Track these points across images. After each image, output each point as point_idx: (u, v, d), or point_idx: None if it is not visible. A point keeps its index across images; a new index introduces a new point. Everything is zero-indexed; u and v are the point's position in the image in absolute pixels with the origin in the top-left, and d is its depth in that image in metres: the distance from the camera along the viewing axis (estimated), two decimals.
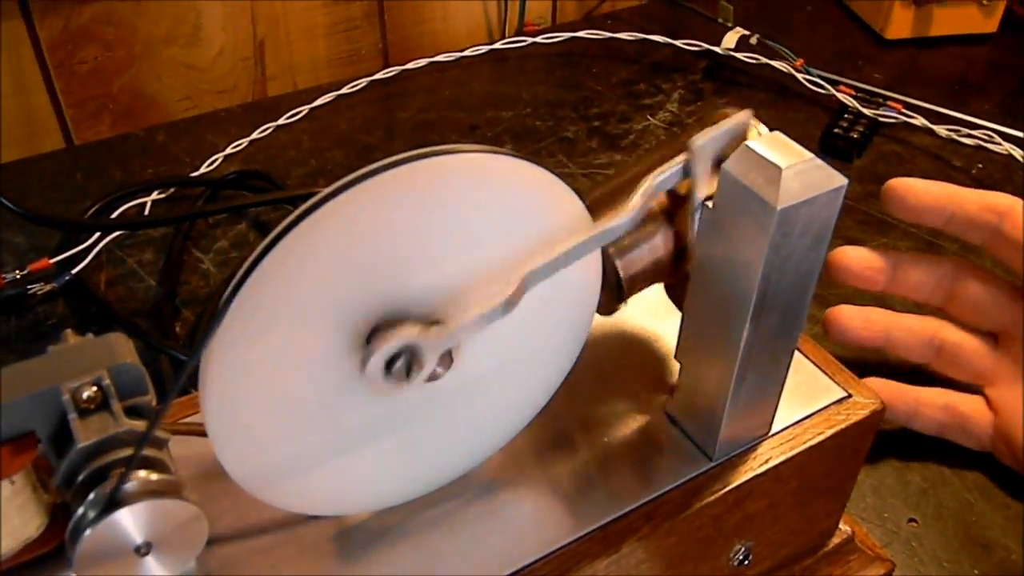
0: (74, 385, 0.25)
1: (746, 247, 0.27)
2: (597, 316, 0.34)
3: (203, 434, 0.31)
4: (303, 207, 0.23)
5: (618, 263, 0.31)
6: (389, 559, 0.29)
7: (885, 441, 0.47)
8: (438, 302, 0.26)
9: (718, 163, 0.28)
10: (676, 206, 0.31)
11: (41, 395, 0.25)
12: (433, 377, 0.27)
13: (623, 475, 0.32)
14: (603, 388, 0.35)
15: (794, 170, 0.26)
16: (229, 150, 0.66)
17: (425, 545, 0.30)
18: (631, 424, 0.34)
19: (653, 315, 0.38)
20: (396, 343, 0.25)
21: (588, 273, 0.30)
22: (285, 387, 0.25)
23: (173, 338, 0.51)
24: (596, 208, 0.28)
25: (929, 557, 0.42)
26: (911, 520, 0.43)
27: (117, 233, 0.58)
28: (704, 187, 0.28)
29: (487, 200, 0.26)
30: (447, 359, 0.26)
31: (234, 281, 0.24)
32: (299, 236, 0.23)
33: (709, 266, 0.29)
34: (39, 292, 0.54)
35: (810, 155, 0.26)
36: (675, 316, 0.33)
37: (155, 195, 0.60)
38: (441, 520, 0.30)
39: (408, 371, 0.25)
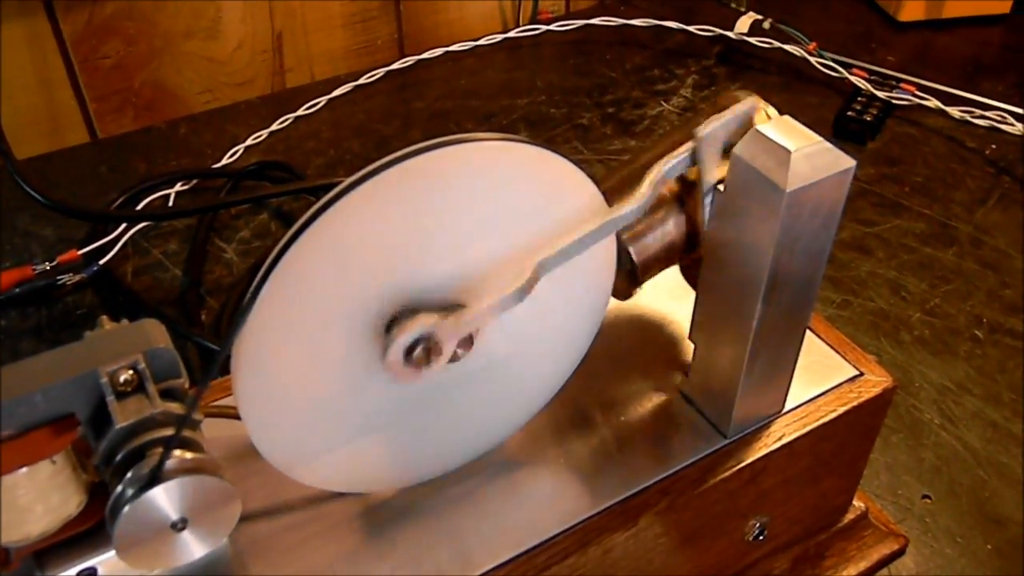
0: (111, 368, 0.26)
1: (757, 229, 0.28)
2: (613, 299, 0.35)
3: (234, 416, 0.32)
4: (325, 198, 0.24)
5: (631, 249, 0.32)
6: (414, 534, 0.30)
7: (898, 419, 0.48)
8: (455, 289, 0.27)
9: (729, 148, 0.28)
10: (687, 191, 0.31)
11: (80, 379, 0.26)
12: (454, 358, 0.28)
13: (640, 453, 0.33)
14: (619, 369, 0.36)
15: (803, 153, 0.26)
16: (250, 141, 0.67)
17: (448, 521, 0.31)
18: (647, 403, 0.35)
19: (667, 297, 0.39)
20: (414, 332, 0.26)
21: (603, 258, 0.30)
22: (311, 372, 0.27)
23: (199, 326, 0.53)
24: (611, 195, 0.29)
25: (943, 533, 0.42)
26: (925, 497, 0.44)
27: (143, 224, 0.59)
28: (713, 173, 0.29)
29: (504, 188, 0.26)
30: (467, 341, 0.27)
31: (261, 271, 0.25)
32: (322, 226, 0.24)
33: (721, 248, 0.30)
34: (68, 283, 0.55)
35: (819, 138, 0.27)
36: (689, 298, 0.34)
37: (178, 187, 0.62)
38: (463, 497, 0.31)
39: (427, 358, 0.26)
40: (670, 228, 0.32)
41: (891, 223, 0.62)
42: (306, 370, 0.26)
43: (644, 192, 0.28)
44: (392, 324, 0.27)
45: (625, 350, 0.37)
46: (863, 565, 0.40)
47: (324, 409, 0.27)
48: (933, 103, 0.72)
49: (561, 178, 0.28)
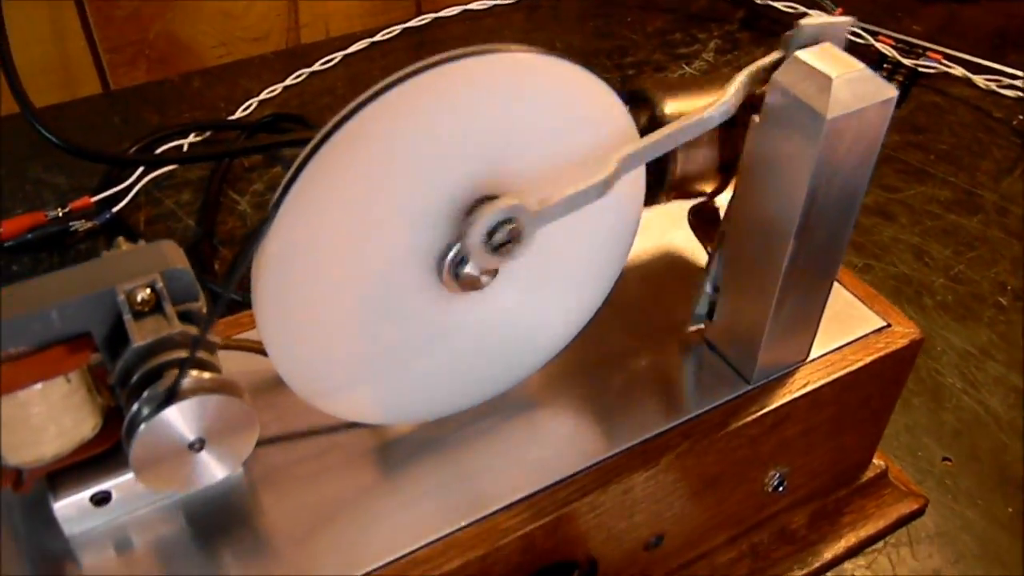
0: (129, 287, 0.25)
1: (794, 160, 0.27)
2: (638, 245, 0.34)
3: (253, 350, 0.31)
4: (386, 81, 0.23)
5: (679, 155, 0.31)
6: (431, 469, 0.30)
7: (919, 383, 0.47)
8: (530, 185, 0.26)
9: None
10: (743, 114, 0.30)
11: (97, 296, 0.25)
12: (477, 286, 0.27)
13: (661, 396, 0.32)
14: (642, 315, 0.35)
15: (844, 79, 0.26)
16: (264, 95, 0.66)
17: (466, 457, 0.30)
18: (669, 349, 0.34)
19: (692, 245, 0.38)
20: (501, 211, 0.25)
21: (632, 193, 0.30)
22: (340, 284, 0.26)
23: (212, 276, 0.52)
24: None
25: (963, 495, 0.42)
26: (945, 459, 0.43)
27: (156, 174, 0.58)
28: None
29: (565, 97, 0.26)
30: (493, 271, 0.27)
31: (297, 160, 0.24)
32: (380, 110, 0.23)
33: (755, 181, 0.29)
34: (80, 229, 0.54)
35: (861, 65, 0.26)
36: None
37: (192, 138, 0.61)
38: (481, 435, 0.31)
39: (508, 244, 0.25)
40: (715, 149, 0.31)
41: (915, 189, 0.61)
42: (333, 290, 0.26)
43: (730, 97, 0.27)
44: (473, 209, 0.26)
45: (648, 297, 0.36)
46: (881, 523, 0.39)
47: (347, 327, 0.27)
48: (959, 72, 0.70)
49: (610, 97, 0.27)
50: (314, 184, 0.24)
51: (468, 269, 0.26)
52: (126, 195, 0.57)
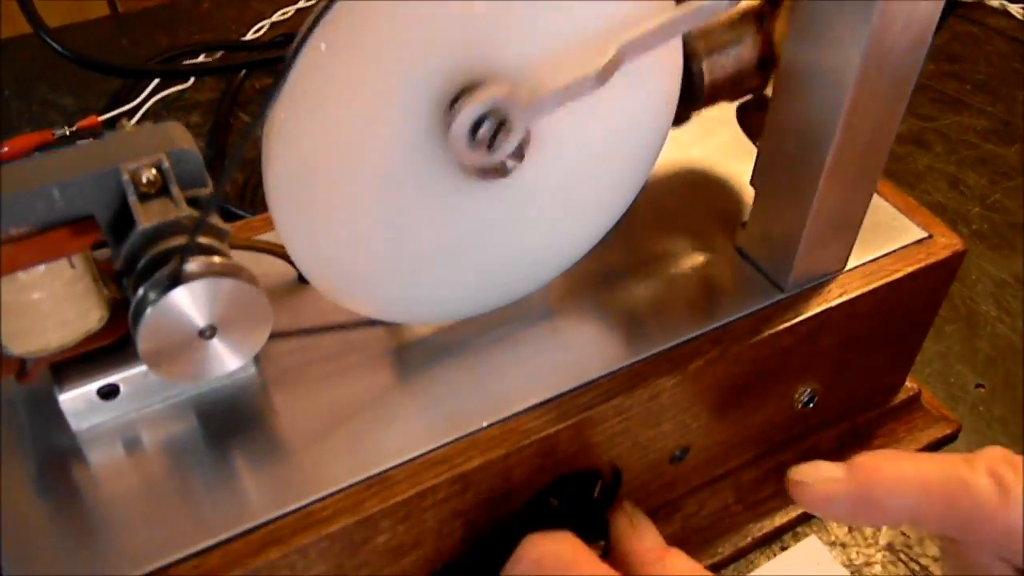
0: (133, 166, 0.24)
1: (841, 45, 0.25)
2: (668, 152, 0.33)
3: (266, 250, 0.30)
4: None
5: (704, 64, 0.29)
6: (450, 372, 0.29)
7: (953, 311, 0.45)
8: (528, 69, 0.24)
9: None
10: (771, 9, 0.29)
11: (101, 175, 0.24)
12: (504, 171, 0.25)
13: (691, 304, 0.31)
14: (670, 222, 0.34)
15: None
16: (276, 17, 0.64)
17: (486, 361, 0.29)
18: (700, 257, 0.32)
19: (723, 153, 0.36)
20: (483, 102, 0.23)
21: (666, 76, 0.28)
22: (353, 162, 0.24)
23: (223, 197, 0.51)
24: None
25: (996, 422, 0.40)
26: (979, 385, 0.42)
27: (165, 93, 0.57)
28: None
29: None
30: (518, 153, 0.25)
31: (304, 27, 0.22)
32: None
33: (798, 71, 0.27)
34: None
35: None
36: (745, 154, 0.31)
37: (202, 58, 0.59)
38: (502, 339, 0.30)
39: (495, 137, 0.24)
40: (746, 49, 0.29)
41: (951, 119, 0.58)
42: (348, 163, 0.24)
43: None
44: (458, 98, 0.24)
45: (677, 204, 0.34)
46: (912, 447, 0.38)
47: (360, 210, 0.25)
48: (996, 2, 0.68)
49: None
50: (322, 57, 0.22)
51: (468, 161, 0.25)
52: (134, 115, 0.55)
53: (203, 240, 0.25)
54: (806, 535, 0.35)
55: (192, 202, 0.25)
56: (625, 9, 0.25)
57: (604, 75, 0.24)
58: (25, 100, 0.58)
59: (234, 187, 0.52)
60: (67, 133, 0.54)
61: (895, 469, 0.24)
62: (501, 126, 0.23)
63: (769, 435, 0.35)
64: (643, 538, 0.28)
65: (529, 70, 0.24)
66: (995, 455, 0.24)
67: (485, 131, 0.23)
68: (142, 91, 0.57)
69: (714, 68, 0.29)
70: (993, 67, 0.63)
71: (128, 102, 0.56)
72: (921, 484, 0.23)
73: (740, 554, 0.34)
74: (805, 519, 0.36)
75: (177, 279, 0.23)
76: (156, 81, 0.57)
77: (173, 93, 0.57)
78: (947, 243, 0.33)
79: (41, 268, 0.24)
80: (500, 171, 0.25)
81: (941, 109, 0.59)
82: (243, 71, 0.58)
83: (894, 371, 0.37)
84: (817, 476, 0.25)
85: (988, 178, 0.54)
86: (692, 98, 0.29)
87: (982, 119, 0.59)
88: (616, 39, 0.24)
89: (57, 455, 0.26)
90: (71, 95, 0.58)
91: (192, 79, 0.58)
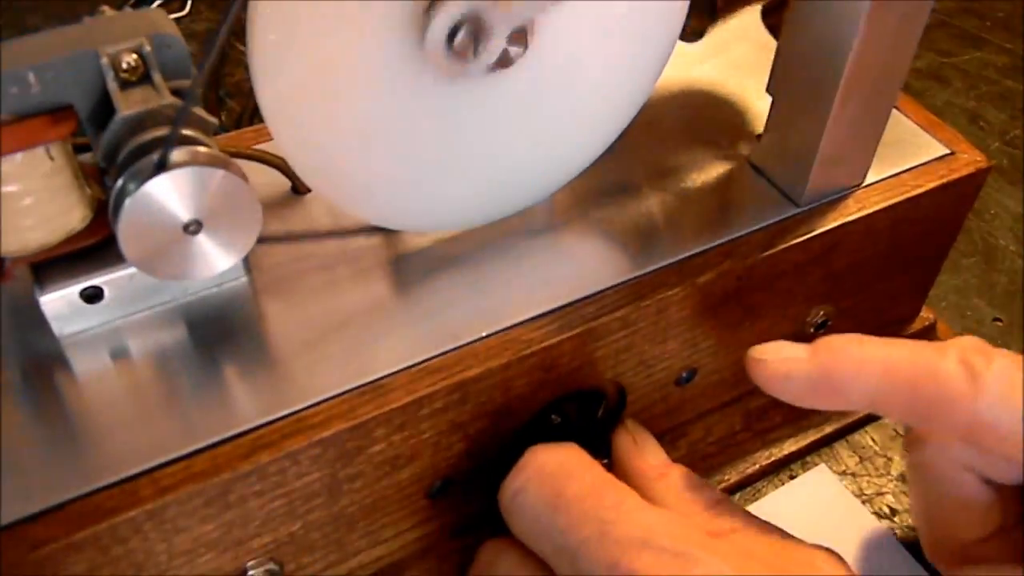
0: (112, 50, 0.23)
1: None
2: (679, 65, 0.31)
3: (263, 160, 0.29)
4: None
5: None
6: (449, 284, 0.27)
7: (970, 244, 0.44)
8: None
9: None
10: None
11: (77, 57, 0.23)
12: (506, 61, 0.24)
13: (702, 217, 0.29)
14: (682, 137, 0.32)
15: None
16: None
17: (487, 273, 0.28)
18: (711, 171, 0.31)
19: (738, 68, 0.35)
20: (456, 9, 0.22)
21: None
22: (343, 69, 0.23)
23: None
24: None
25: None
26: (996, 319, 0.41)
27: None
28: None
29: None
30: (521, 37, 0.24)
31: None
32: None
33: None
34: None
35: None
36: (761, 70, 0.30)
37: None
38: (504, 251, 0.28)
39: (473, 46, 0.23)
40: None
41: (970, 55, 0.56)
42: (338, 72, 0.23)
43: None
44: (433, 3, 0.23)
45: (689, 118, 0.33)
46: None
47: (350, 108, 0.24)
48: None
49: None
50: None
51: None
52: None
53: (188, 132, 0.23)
54: (815, 464, 0.34)
55: (175, 94, 0.24)
56: None
57: None
58: (17, 29, 0.56)
59: (230, 117, 0.51)
60: None
61: (860, 351, 0.23)
62: (480, 32, 0.22)
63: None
64: (646, 455, 0.27)
65: None
66: (968, 343, 0.23)
67: (462, 38, 0.22)
68: None
69: None
70: (1013, 4, 0.61)
71: None
72: (887, 368, 0.22)
73: (747, 481, 0.33)
74: (814, 448, 0.35)
75: (159, 167, 0.22)
76: (154, 6, 0.55)
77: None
78: (970, 159, 0.32)
79: (18, 157, 0.23)
80: (503, 61, 0.24)
81: (960, 45, 0.57)
82: None
83: (910, 298, 0.36)
84: (778, 354, 0.24)
85: (1008, 114, 0.52)
86: (706, 10, 0.28)
87: (1002, 55, 0.57)
88: None
89: (40, 360, 0.25)
90: (60, 23, 0.56)
91: (188, 6, 0.56)
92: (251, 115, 0.50)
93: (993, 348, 0.23)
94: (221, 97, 0.52)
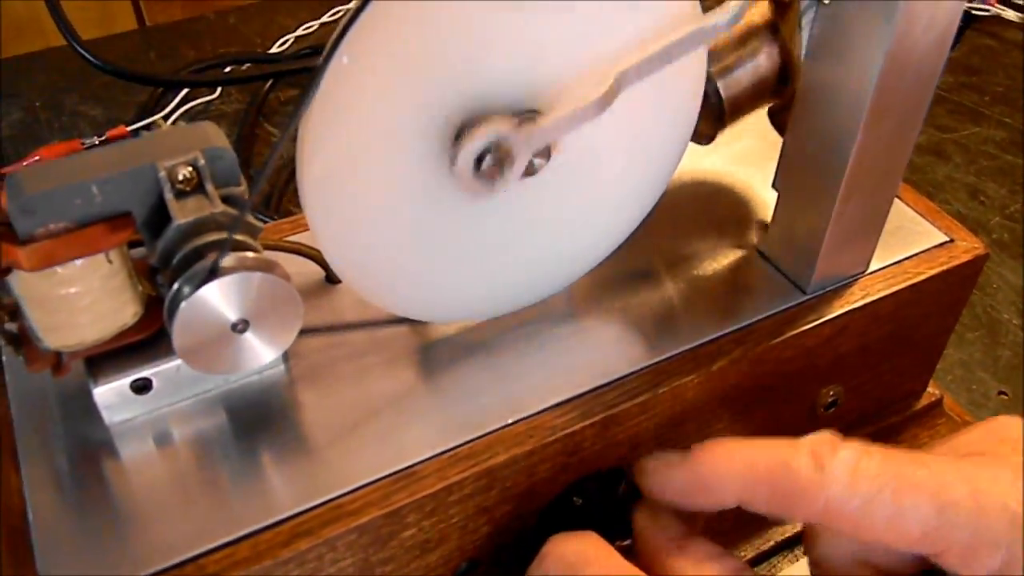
0: (170, 164, 0.25)
1: (863, 47, 0.26)
2: (689, 158, 0.33)
3: (299, 252, 0.31)
4: None
5: (720, 84, 0.30)
6: (475, 371, 0.29)
7: (974, 319, 0.45)
8: (530, 97, 0.25)
9: None
10: (781, 16, 0.29)
11: (137, 172, 0.25)
12: (530, 171, 0.26)
13: (714, 305, 0.31)
14: (692, 226, 0.34)
15: None
16: (300, 32, 0.65)
17: (510, 359, 0.29)
18: (722, 259, 0.33)
19: (746, 158, 0.37)
20: (484, 138, 0.24)
21: (688, 87, 0.28)
22: (376, 170, 0.25)
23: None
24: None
25: None
26: (1001, 393, 0.42)
27: (191, 104, 0.58)
28: None
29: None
30: (545, 152, 0.26)
31: (324, 51, 0.23)
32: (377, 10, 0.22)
33: (820, 76, 0.28)
34: None
35: None
36: (765, 157, 0.32)
37: (228, 70, 0.60)
38: (526, 339, 0.30)
39: (499, 169, 0.25)
40: (761, 60, 0.29)
41: (970, 130, 0.59)
42: (372, 172, 0.25)
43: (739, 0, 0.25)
44: (460, 133, 0.25)
45: (700, 208, 0.35)
46: None
47: (388, 219, 0.26)
48: (1013, 15, 0.68)
49: None
50: (344, 70, 0.22)
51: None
52: (162, 126, 0.56)
53: (237, 237, 0.25)
54: None
55: (225, 200, 0.26)
56: (625, 36, 0.25)
57: (603, 103, 0.24)
58: (55, 111, 0.59)
59: (259, 196, 0.53)
60: (96, 143, 0.55)
61: (726, 453, 0.25)
62: (504, 157, 0.24)
63: (792, 436, 0.35)
64: (665, 529, 0.28)
65: (530, 100, 0.25)
66: (819, 438, 0.24)
67: (489, 164, 0.24)
68: (169, 102, 0.58)
69: (730, 85, 0.29)
70: (1011, 79, 0.63)
71: (155, 113, 0.57)
72: (747, 465, 0.24)
73: (762, 557, 0.34)
74: None
75: (212, 273, 0.24)
76: (183, 93, 0.58)
77: (199, 104, 0.59)
78: (969, 247, 0.33)
79: (79, 263, 0.25)
80: (528, 170, 0.26)
81: (960, 120, 0.59)
82: (269, 82, 0.59)
83: (917, 375, 0.37)
84: (657, 463, 0.26)
85: (1008, 188, 0.54)
86: (715, 117, 0.30)
87: (1001, 130, 0.59)
88: (613, 68, 0.24)
89: (90, 448, 0.27)
90: (100, 106, 0.59)
91: (219, 90, 0.59)
92: (279, 196, 0.53)
93: (842, 440, 0.24)
94: (251, 176, 0.54)
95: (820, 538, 0.26)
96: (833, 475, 0.23)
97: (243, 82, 0.59)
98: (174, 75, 0.59)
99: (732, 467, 0.24)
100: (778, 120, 0.32)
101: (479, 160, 0.25)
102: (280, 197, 0.52)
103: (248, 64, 0.61)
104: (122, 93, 0.59)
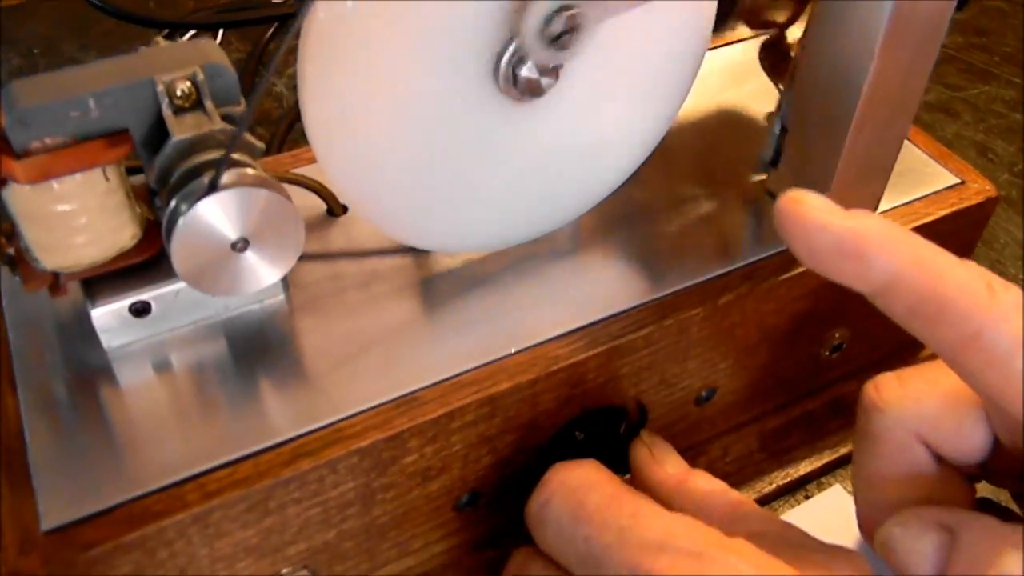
0: (167, 78, 0.24)
1: None
2: (697, 98, 0.32)
3: (300, 183, 0.30)
4: None
5: None
6: (478, 302, 0.28)
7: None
8: None
9: None
10: None
11: (135, 86, 0.24)
12: (538, 90, 0.25)
13: (721, 242, 0.31)
14: (701, 165, 0.33)
15: None
16: None
17: (515, 292, 0.29)
18: (729, 198, 0.32)
19: (754, 97, 0.36)
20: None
21: (698, 22, 0.28)
22: (390, 90, 0.24)
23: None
24: None
25: None
26: None
27: None
28: None
29: None
30: (554, 71, 0.25)
31: None
32: None
33: (831, 11, 0.27)
34: None
35: None
36: (776, 99, 0.31)
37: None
38: (530, 272, 0.29)
39: (567, 35, 0.23)
40: None
41: (979, 89, 0.58)
42: (385, 93, 0.24)
43: None
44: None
45: (708, 146, 0.34)
46: None
47: (403, 140, 0.25)
48: None
49: None
50: None
51: (526, 71, 0.25)
52: None
53: (236, 156, 0.25)
54: (830, 484, 0.35)
55: (225, 119, 0.25)
56: None
57: None
58: (54, 56, 0.58)
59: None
60: None
61: (895, 232, 0.23)
62: (571, 20, 0.23)
63: (795, 382, 0.34)
64: (664, 464, 0.28)
65: None
66: (989, 272, 0.22)
67: (556, 27, 0.23)
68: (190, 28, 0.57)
69: None
70: (1020, 40, 0.63)
71: None
72: (915, 256, 0.22)
73: (763, 501, 0.34)
74: (830, 468, 0.35)
75: (211, 189, 0.23)
76: (187, 38, 0.57)
77: None
78: (980, 188, 0.33)
79: (76, 178, 0.24)
80: (535, 90, 0.25)
81: (969, 79, 0.59)
82: (271, 30, 0.58)
83: None
84: (818, 203, 0.23)
85: (1016, 146, 0.53)
86: (730, 9, 0.29)
87: (1010, 89, 0.58)
88: None
89: (88, 372, 0.26)
90: (98, 53, 0.58)
91: (221, 32, 0.58)
92: (279, 143, 0.52)
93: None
94: (251, 126, 0.53)
95: (887, 410, 0.25)
96: (1000, 306, 0.21)
97: (248, 24, 0.58)
98: (176, 17, 0.58)
99: (899, 249, 0.22)
100: (768, 62, 0.32)
101: (546, 24, 0.23)
102: (280, 146, 0.51)
103: (249, 9, 0.60)
104: (120, 40, 0.58)
